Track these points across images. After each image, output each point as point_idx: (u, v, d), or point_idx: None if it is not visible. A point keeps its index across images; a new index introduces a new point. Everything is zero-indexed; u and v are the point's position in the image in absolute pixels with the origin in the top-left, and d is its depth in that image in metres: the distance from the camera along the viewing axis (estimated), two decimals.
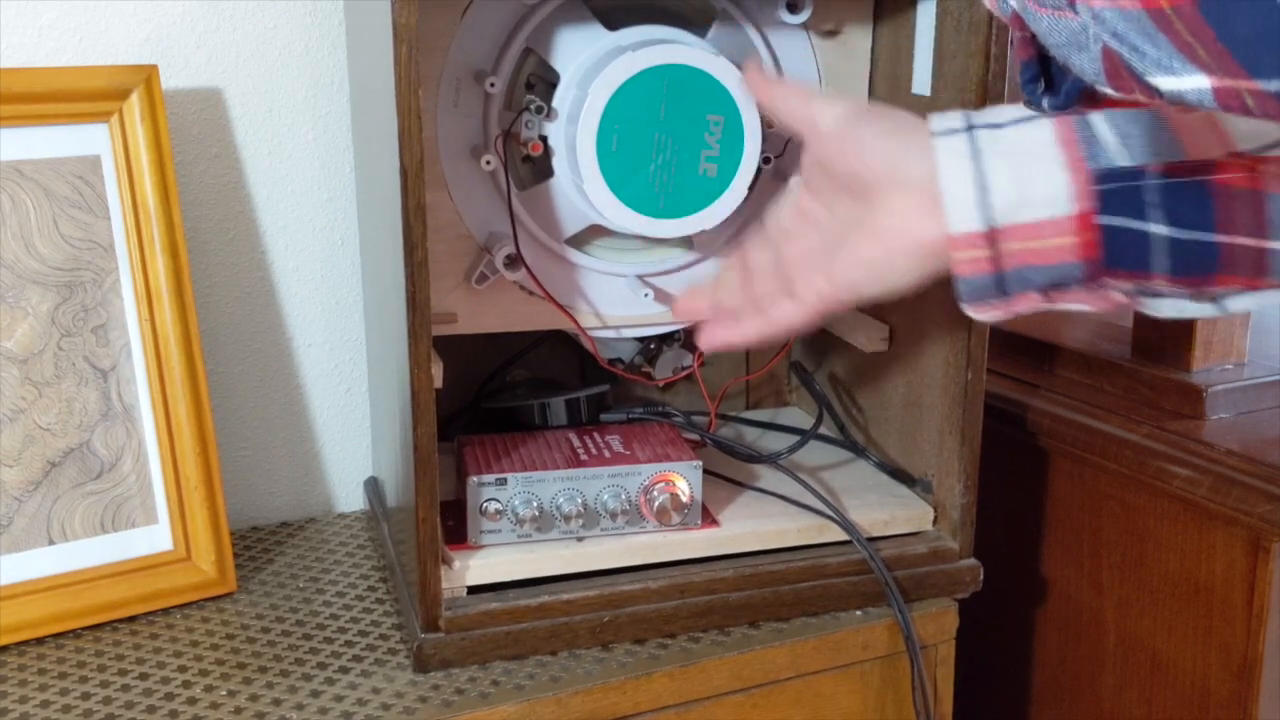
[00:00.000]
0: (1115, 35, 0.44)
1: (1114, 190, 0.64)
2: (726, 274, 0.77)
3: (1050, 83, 0.56)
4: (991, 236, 0.66)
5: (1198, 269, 0.65)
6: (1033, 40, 0.52)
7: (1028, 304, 0.68)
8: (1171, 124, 0.63)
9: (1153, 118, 0.63)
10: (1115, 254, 0.65)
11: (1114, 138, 0.64)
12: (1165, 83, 0.45)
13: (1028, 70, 0.55)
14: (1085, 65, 0.48)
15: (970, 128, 0.66)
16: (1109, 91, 0.49)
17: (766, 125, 0.90)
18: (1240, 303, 0.67)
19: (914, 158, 0.69)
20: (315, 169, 1.04)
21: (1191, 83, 0.44)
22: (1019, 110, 0.66)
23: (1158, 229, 0.64)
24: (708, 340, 0.76)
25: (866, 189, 0.70)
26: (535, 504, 0.85)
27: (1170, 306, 0.68)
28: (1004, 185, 0.65)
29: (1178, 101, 0.45)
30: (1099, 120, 0.64)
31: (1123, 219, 0.65)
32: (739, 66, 0.86)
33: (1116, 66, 0.46)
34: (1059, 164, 0.63)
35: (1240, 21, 0.41)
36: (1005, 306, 0.68)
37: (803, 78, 0.96)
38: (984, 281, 0.67)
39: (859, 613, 0.90)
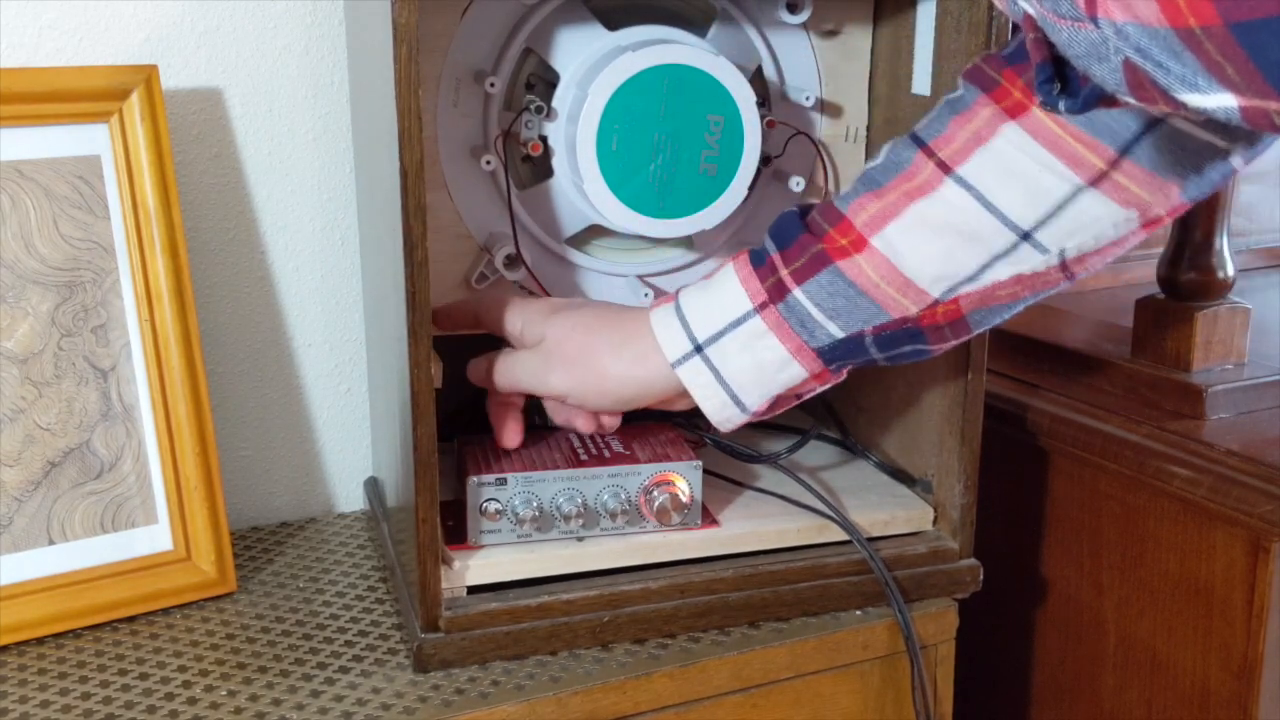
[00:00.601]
0: (1139, 51, 0.44)
1: (835, 354, 0.78)
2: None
3: (1065, 83, 0.56)
4: (756, 414, 0.81)
5: (912, 359, 0.80)
6: (1047, 41, 0.52)
7: (773, 410, 0.82)
8: (867, 291, 0.75)
9: (847, 289, 0.76)
10: (842, 369, 0.80)
11: (823, 315, 0.76)
12: (1191, 99, 0.44)
13: (1043, 72, 0.56)
14: (1106, 76, 0.47)
15: (699, 348, 0.79)
16: (1130, 101, 0.48)
17: (767, 126, 0.90)
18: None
19: (658, 384, 0.82)
20: (315, 169, 1.04)
21: (1218, 101, 0.44)
22: (720, 314, 0.79)
23: (879, 357, 0.79)
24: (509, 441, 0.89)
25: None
26: (535, 504, 0.85)
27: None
28: (751, 393, 0.79)
29: (1201, 114, 0.45)
30: (799, 307, 0.77)
31: (849, 361, 0.79)
32: (740, 67, 0.86)
33: (1139, 79, 0.46)
34: (784, 356, 0.78)
35: (1274, 48, 0.40)
36: (749, 415, 0.81)
37: (803, 77, 0.96)
38: (734, 414, 0.81)
39: (859, 613, 0.90)
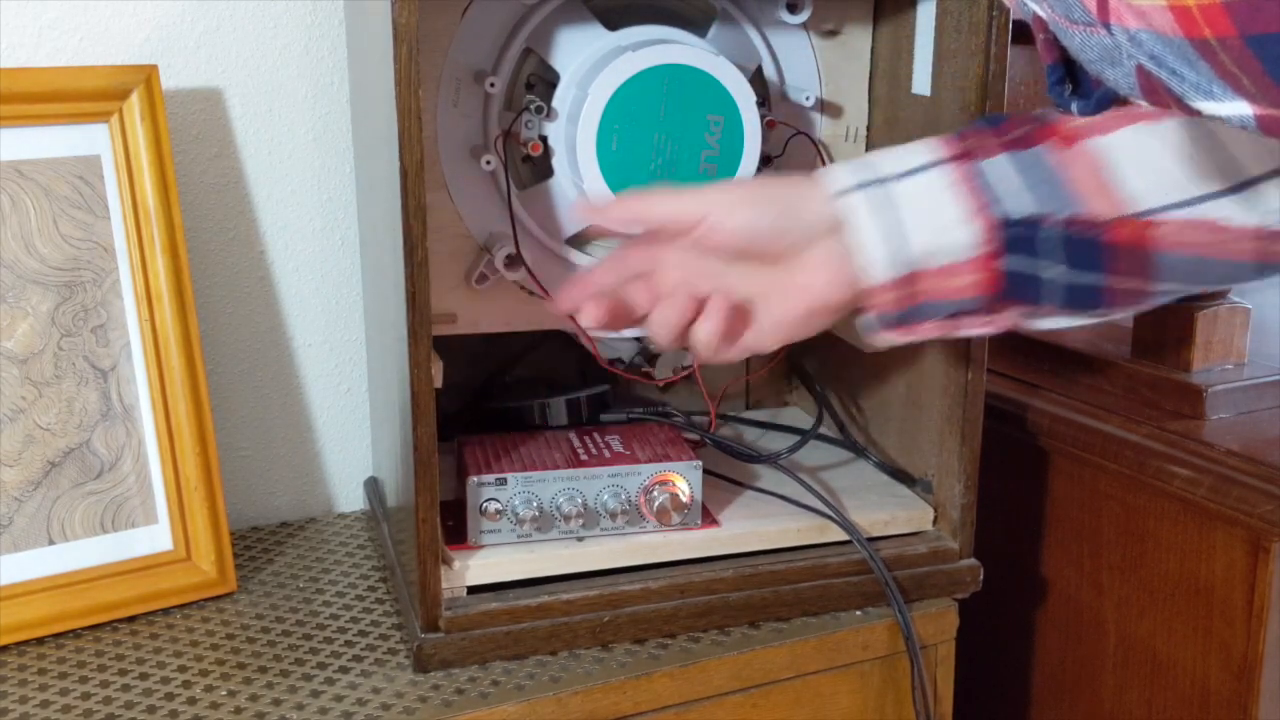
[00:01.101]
0: (1153, 58, 0.43)
1: (1015, 237, 0.69)
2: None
3: (1077, 84, 0.56)
4: (903, 282, 0.71)
5: (1086, 305, 0.72)
6: (1057, 43, 0.52)
7: (928, 331, 0.74)
8: (1066, 178, 0.69)
9: (1049, 170, 0.69)
10: (1012, 290, 0.71)
11: (1012, 188, 0.69)
12: (1206, 106, 0.44)
13: (1054, 73, 0.55)
14: (1120, 80, 0.47)
15: (867, 184, 0.71)
16: (1144, 105, 0.48)
17: (767, 126, 0.90)
18: (1121, 313, 0.74)
19: (809, 214, 0.73)
20: (315, 169, 1.04)
21: (1233, 109, 0.43)
22: (909, 158, 0.71)
23: (1053, 273, 0.70)
24: (600, 325, 0.77)
25: (767, 254, 0.73)
26: (535, 504, 0.85)
27: (1051, 324, 0.75)
28: (914, 236, 0.70)
29: (1216, 121, 0.45)
30: (996, 168, 0.69)
31: (1022, 263, 0.70)
32: (740, 67, 0.86)
33: (1153, 85, 0.45)
34: (964, 212, 0.68)
35: None
36: (908, 333, 0.74)
37: (803, 78, 0.96)
38: (891, 317, 0.73)
39: (859, 613, 0.90)
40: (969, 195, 0.69)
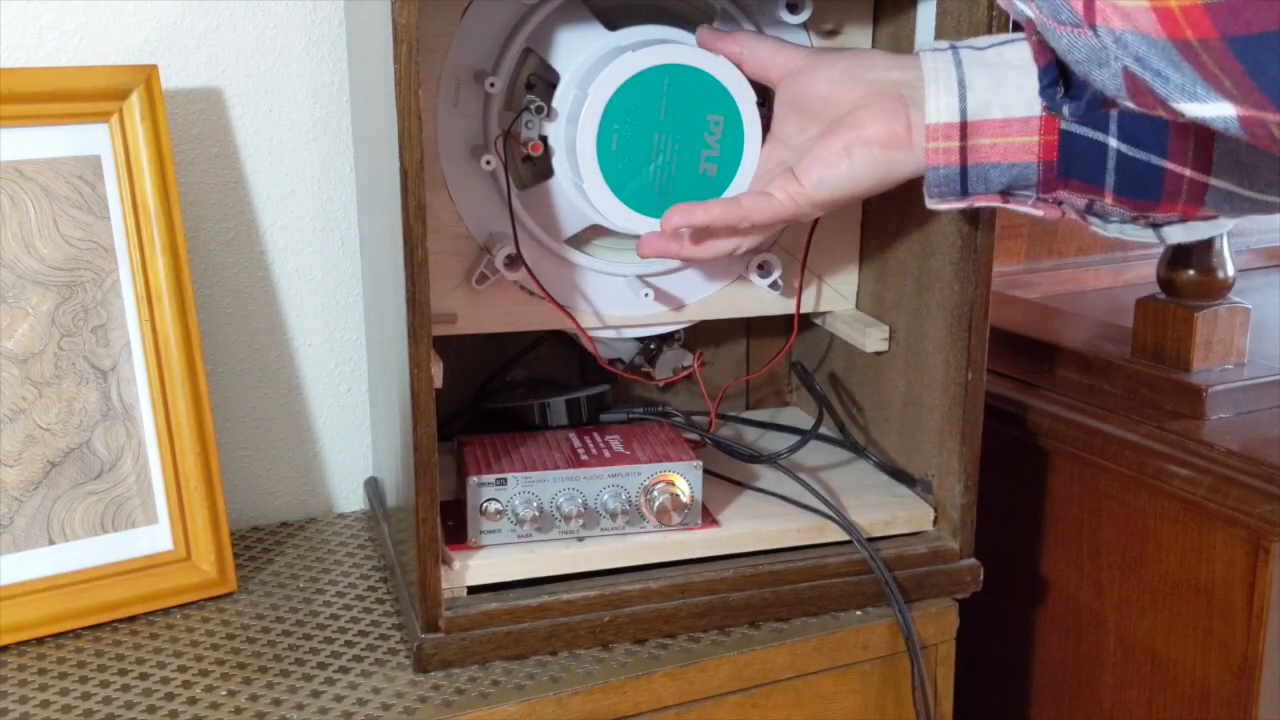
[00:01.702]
0: (1138, 59, 0.44)
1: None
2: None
3: (1069, 86, 0.56)
4: (964, 129, 0.73)
5: (1143, 191, 0.71)
6: (1051, 47, 0.52)
7: (985, 202, 0.76)
8: None
9: None
10: (1071, 160, 0.71)
11: None
12: (1189, 108, 0.44)
13: (1046, 75, 0.56)
14: (1107, 81, 0.47)
15: (954, 47, 0.74)
16: (1131, 106, 0.48)
17: (767, 125, 0.90)
18: (1175, 233, 0.75)
19: (884, 71, 0.77)
20: (315, 169, 1.04)
21: (1216, 110, 0.43)
22: (1000, 35, 0.74)
23: (1114, 143, 0.70)
24: (672, 221, 0.82)
25: (835, 105, 0.78)
26: (535, 504, 0.85)
27: (1115, 229, 0.75)
28: (981, 86, 0.72)
29: (1200, 123, 0.45)
30: None
31: (1083, 127, 0.71)
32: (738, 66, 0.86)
33: (1138, 86, 0.45)
34: (1032, 73, 0.65)
35: (1271, 63, 0.40)
36: (965, 202, 0.76)
37: None
38: (949, 173, 0.74)
39: (859, 613, 0.90)
40: (1037, 53, 0.66)
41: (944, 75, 0.74)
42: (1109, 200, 0.73)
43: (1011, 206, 0.76)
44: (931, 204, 0.77)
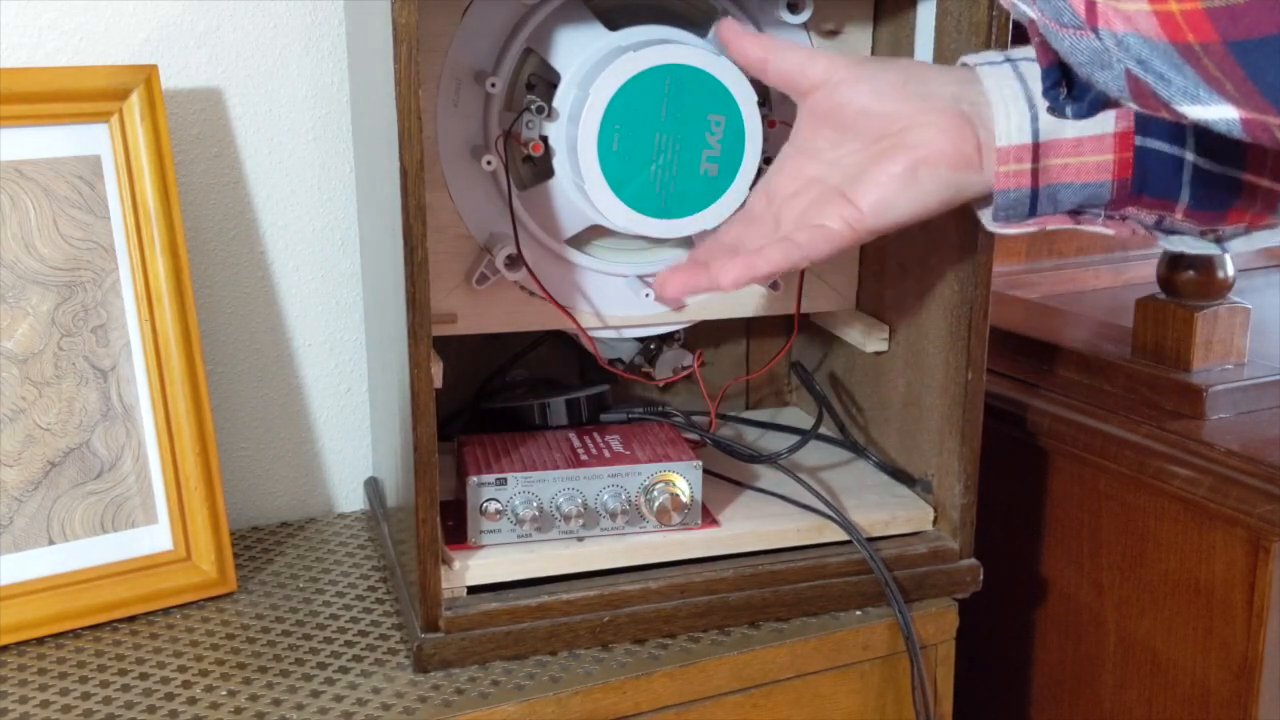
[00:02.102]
0: (1140, 63, 0.44)
1: (1155, 117, 0.63)
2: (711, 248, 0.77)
3: (1072, 87, 0.55)
4: (1036, 151, 0.69)
5: (1216, 204, 0.68)
6: (1052, 46, 0.52)
7: (1053, 224, 0.72)
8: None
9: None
10: (1146, 177, 0.69)
11: None
12: (1192, 110, 0.44)
13: (1050, 76, 0.55)
14: (1110, 83, 0.47)
15: (1010, 60, 0.70)
16: (1134, 108, 0.48)
17: (768, 125, 0.90)
18: (1238, 242, 0.72)
19: (937, 85, 0.72)
20: (315, 169, 1.04)
21: (1218, 113, 0.43)
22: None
23: (1190, 156, 0.67)
24: (732, 277, 0.73)
25: (884, 121, 0.72)
26: (535, 504, 0.85)
27: (1179, 242, 0.72)
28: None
29: (1203, 125, 0.45)
30: None
31: (1160, 142, 0.68)
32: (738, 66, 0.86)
33: (1141, 89, 0.45)
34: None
35: (1269, 69, 0.39)
36: (1032, 224, 0.72)
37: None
38: (1019, 196, 0.70)
39: (859, 613, 0.90)
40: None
41: (1010, 93, 0.69)
42: (1179, 215, 0.70)
43: (1079, 226, 0.73)
44: (994, 227, 0.73)
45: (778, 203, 0.76)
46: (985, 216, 0.73)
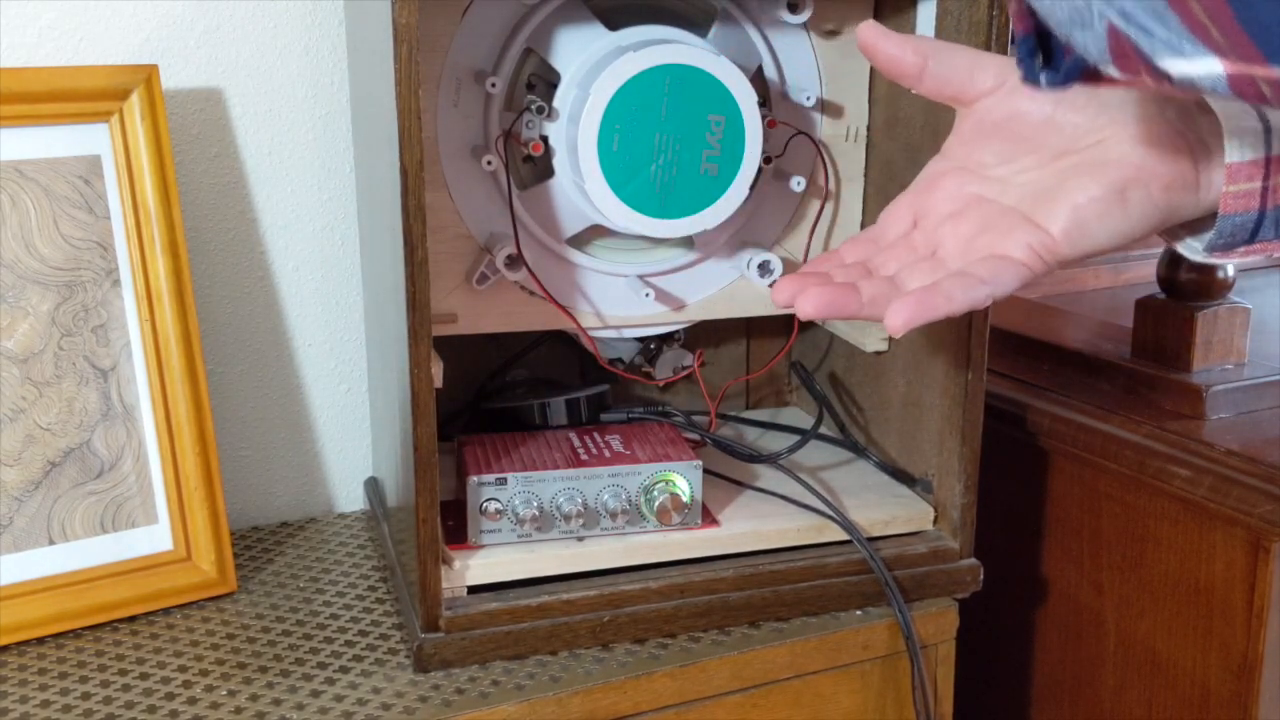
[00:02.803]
0: (1123, 15, 0.42)
1: None
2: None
3: (1049, 58, 0.53)
4: (1268, 165, 0.59)
5: None
6: (1031, 13, 0.50)
7: (1269, 250, 0.63)
8: None
9: None
10: None
11: None
12: (1175, 65, 0.42)
13: (1025, 44, 0.51)
14: (1090, 44, 0.44)
15: None
16: (1113, 73, 0.46)
17: (768, 125, 0.90)
18: None
19: (1140, 94, 0.61)
20: (315, 169, 1.04)
21: (1203, 66, 0.41)
22: None
23: None
24: (903, 319, 0.61)
25: (1073, 134, 0.62)
26: (535, 504, 0.85)
27: None
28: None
29: (1189, 87, 0.43)
30: None
31: None
32: (740, 67, 0.86)
33: (1123, 46, 0.43)
34: None
35: (1260, 6, 0.37)
36: (1253, 250, 0.63)
37: (804, 77, 0.96)
38: (1244, 221, 0.61)
39: (859, 613, 0.90)
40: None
41: (1236, 104, 0.59)
42: None
43: None
44: (1203, 257, 0.63)
45: (931, 224, 0.66)
46: (1188, 246, 0.64)
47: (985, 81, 0.64)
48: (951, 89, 0.65)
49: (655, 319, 0.97)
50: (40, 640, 0.86)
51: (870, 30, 0.66)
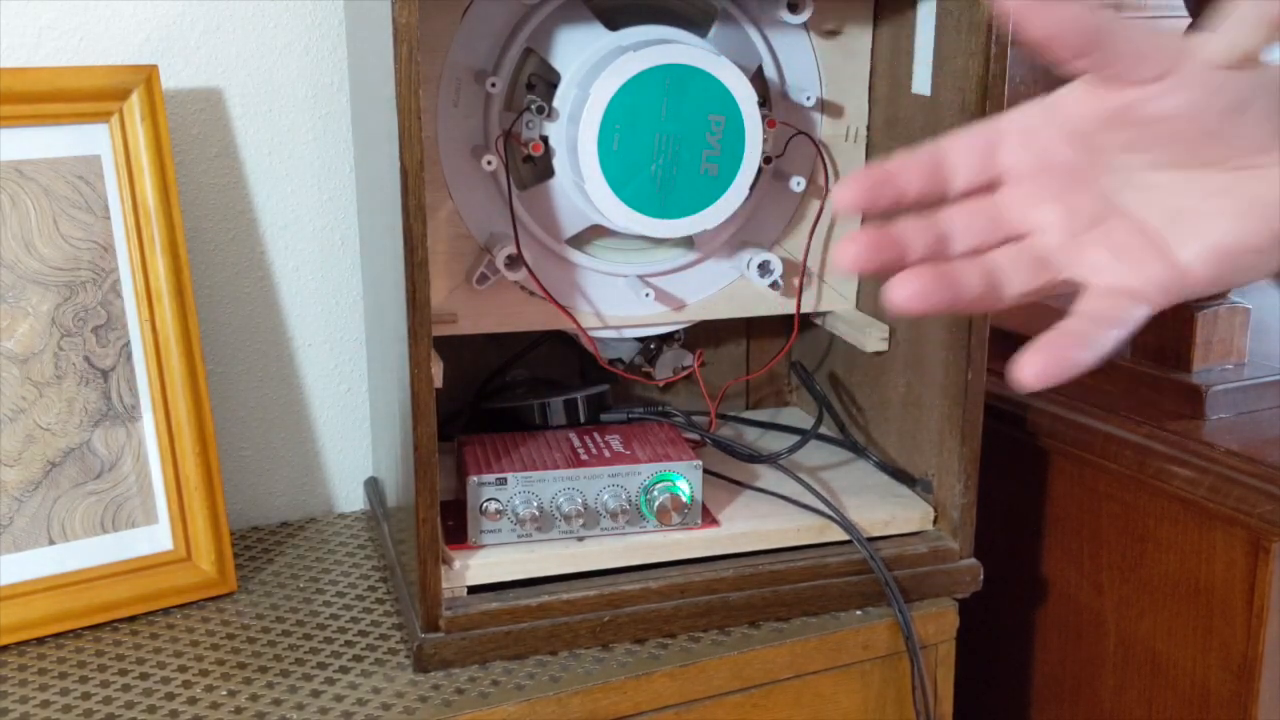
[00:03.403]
0: None
1: None
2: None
3: None
4: None
5: None
6: None
7: None
8: None
9: None
10: None
11: None
12: None
13: None
14: None
15: None
16: None
17: (768, 125, 0.90)
18: None
19: None
20: (315, 169, 1.04)
21: None
22: None
23: None
24: (1034, 373, 0.48)
25: (1241, 151, 0.49)
26: (535, 504, 0.85)
27: None
28: None
29: None
30: None
31: None
32: (740, 67, 0.86)
33: None
34: None
35: None
36: None
37: (804, 77, 0.96)
38: None
39: (859, 613, 0.90)
40: None
41: None
42: None
43: None
44: None
45: (1023, 194, 0.51)
46: None
47: (1164, 63, 0.48)
48: (1133, 69, 0.49)
49: (655, 319, 0.97)
50: (40, 640, 0.86)
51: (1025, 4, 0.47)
